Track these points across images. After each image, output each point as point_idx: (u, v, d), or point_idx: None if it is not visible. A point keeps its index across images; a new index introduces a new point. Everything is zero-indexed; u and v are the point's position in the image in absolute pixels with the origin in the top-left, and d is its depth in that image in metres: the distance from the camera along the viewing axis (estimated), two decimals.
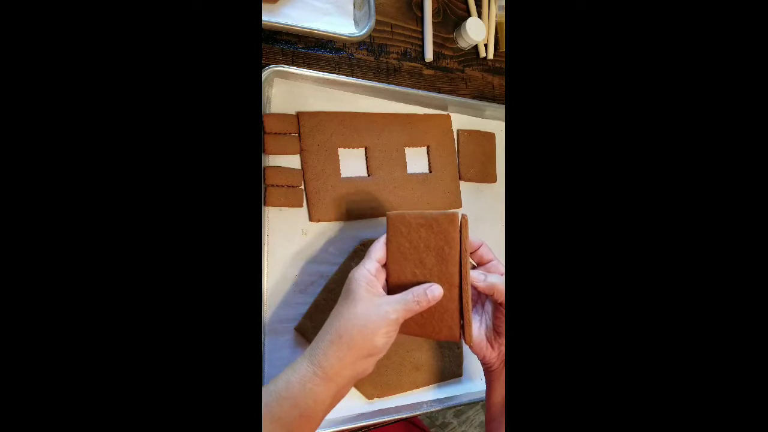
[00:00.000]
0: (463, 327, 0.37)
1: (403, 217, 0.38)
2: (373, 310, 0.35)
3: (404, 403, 0.50)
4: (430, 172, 0.55)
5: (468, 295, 0.36)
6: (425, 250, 0.37)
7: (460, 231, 0.37)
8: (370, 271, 0.37)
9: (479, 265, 0.41)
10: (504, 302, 0.38)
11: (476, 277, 0.38)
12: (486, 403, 0.43)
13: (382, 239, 0.39)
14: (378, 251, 0.38)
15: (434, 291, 0.36)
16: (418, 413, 0.50)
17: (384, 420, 0.48)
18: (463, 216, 0.37)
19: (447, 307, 0.37)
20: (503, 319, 0.39)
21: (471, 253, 0.40)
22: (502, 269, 0.40)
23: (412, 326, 0.38)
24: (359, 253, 0.50)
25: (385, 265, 0.39)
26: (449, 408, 0.52)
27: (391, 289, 0.39)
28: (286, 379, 0.34)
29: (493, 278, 0.38)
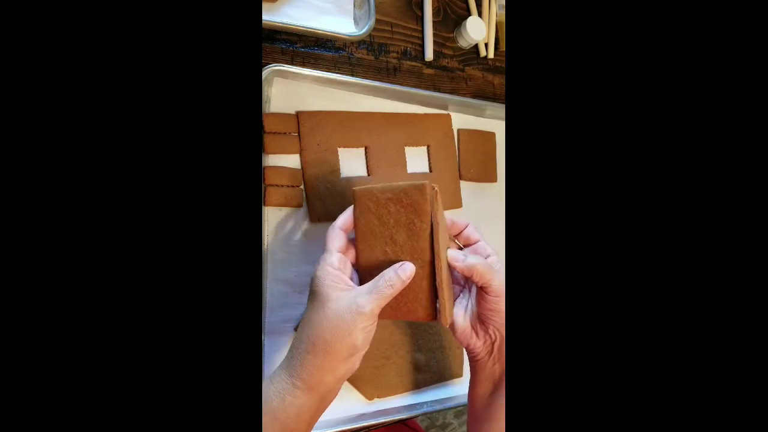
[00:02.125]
0: (438, 307, 0.35)
1: (370, 192, 0.35)
2: (343, 307, 0.32)
3: (404, 403, 0.50)
4: (430, 171, 0.55)
5: (442, 272, 0.34)
6: (395, 226, 0.34)
7: (432, 204, 0.34)
8: (332, 266, 0.34)
9: (465, 246, 0.39)
10: (485, 286, 0.35)
11: (454, 256, 0.35)
12: (468, 396, 0.40)
13: (338, 223, 0.35)
14: (336, 240, 0.35)
15: (406, 270, 0.33)
16: (418, 413, 0.50)
17: (384, 420, 0.48)
18: (434, 187, 0.35)
19: (420, 286, 0.34)
20: (486, 305, 0.36)
21: (456, 235, 0.39)
22: (490, 251, 0.37)
23: (386, 309, 0.34)
24: None
25: (355, 246, 0.36)
26: (449, 408, 0.52)
27: (362, 271, 0.36)
28: (264, 394, 0.32)
29: (472, 259, 0.35)
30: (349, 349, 0.32)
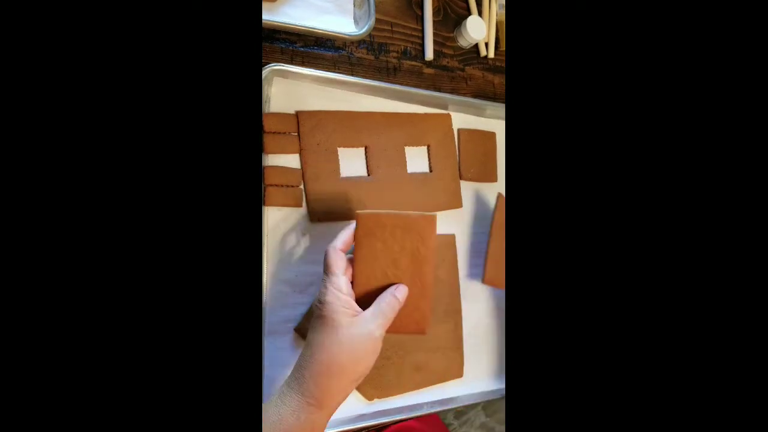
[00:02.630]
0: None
1: (377, 217, 0.36)
2: (356, 333, 0.33)
3: (404, 404, 0.50)
4: (431, 171, 0.55)
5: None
6: (400, 251, 0.36)
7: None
8: (341, 290, 0.35)
9: None
10: None
11: None
12: None
13: (338, 244, 0.36)
14: (340, 261, 0.36)
15: (403, 292, 0.36)
16: (418, 414, 0.50)
17: (384, 421, 0.48)
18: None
19: (418, 305, 0.38)
20: None
21: None
22: None
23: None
24: None
25: (353, 267, 0.37)
26: (450, 409, 0.52)
27: (359, 292, 0.37)
28: (278, 414, 0.33)
29: None
30: (364, 372, 0.34)
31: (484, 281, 0.54)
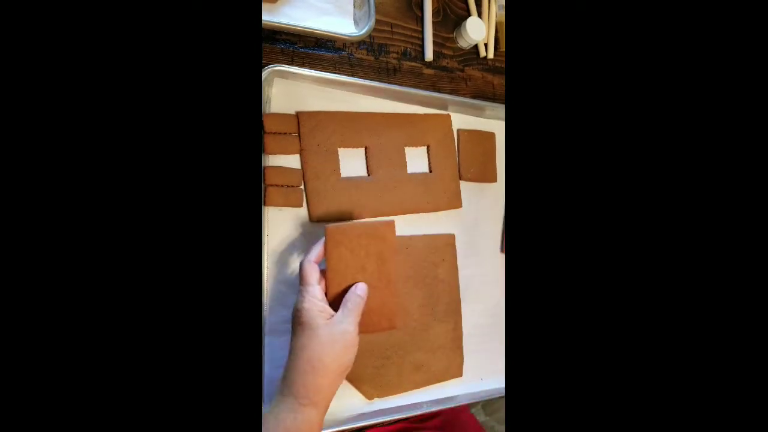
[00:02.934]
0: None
1: (342, 228, 0.40)
2: (333, 332, 0.37)
3: (404, 403, 0.50)
4: (430, 171, 0.55)
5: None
6: (366, 256, 0.41)
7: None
8: (316, 297, 0.38)
9: None
10: None
11: None
12: None
13: (311, 257, 0.40)
14: (314, 273, 0.39)
15: (362, 289, 0.40)
16: (418, 413, 0.50)
17: (384, 420, 0.48)
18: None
19: (386, 301, 0.42)
20: None
21: None
22: None
23: (359, 326, 0.40)
24: None
25: (325, 276, 0.40)
26: (449, 408, 0.52)
27: (333, 297, 0.40)
28: (275, 418, 0.35)
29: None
30: (345, 366, 0.37)
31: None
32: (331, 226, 0.40)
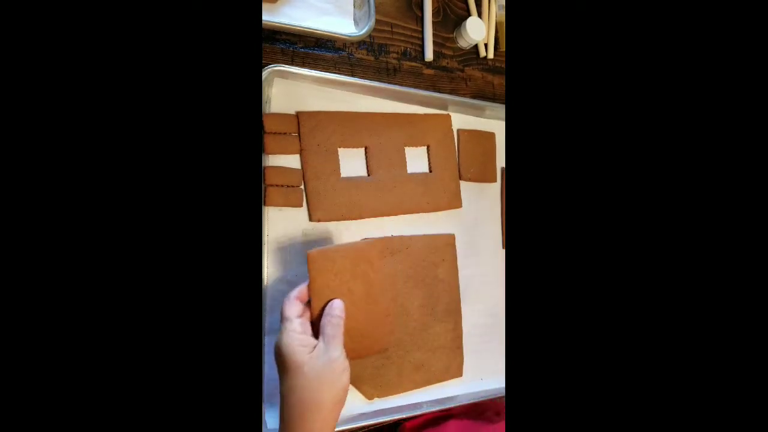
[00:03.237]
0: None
1: (325, 252, 0.38)
2: (319, 365, 0.35)
3: (404, 403, 0.50)
4: (430, 171, 0.55)
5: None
6: (352, 279, 0.38)
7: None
8: (295, 331, 0.36)
9: None
10: None
11: None
12: None
13: (293, 294, 0.38)
14: (293, 308, 0.37)
15: (337, 307, 0.37)
16: (418, 413, 0.50)
17: (384, 420, 0.48)
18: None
19: (376, 323, 0.40)
20: None
21: None
22: None
23: (349, 351, 0.38)
24: None
25: (310, 306, 0.38)
26: (449, 408, 0.52)
27: (318, 325, 0.38)
28: None
29: None
30: (340, 395, 0.35)
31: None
32: (312, 251, 0.37)
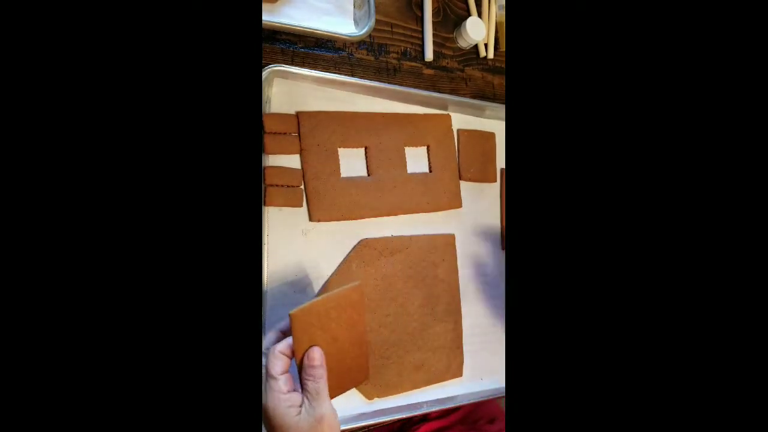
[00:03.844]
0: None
1: (309, 309, 0.36)
2: (308, 425, 0.34)
3: (404, 403, 0.50)
4: (430, 171, 0.55)
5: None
6: (337, 327, 0.38)
7: None
8: (281, 391, 0.34)
9: None
10: None
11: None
12: None
13: (279, 347, 0.36)
14: (278, 364, 0.35)
15: (315, 356, 0.36)
16: (418, 413, 0.50)
17: (384, 420, 0.48)
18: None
19: (358, 361, 0.40)
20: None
21: None
22: None
23: (334, 391, 0.38)
24: (359, 252, 0.50)
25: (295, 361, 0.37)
26: (449, 408, 0.52)
27: None
28: None
29: None
30: None
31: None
32: (295, 311, 0.36)
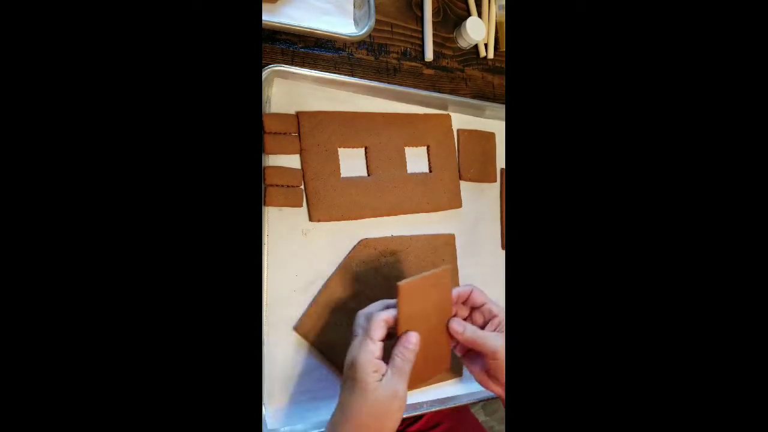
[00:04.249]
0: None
1: (416, 284, 0.38)
2: (382, 395, 0.35)
3: None
4: (430, 171, 0.55)
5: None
6: (432, 306, 0.39)
7: None
8: (374, 354, 0.36)
9: (473, 309, 0.43)
10: (484, 353, 0.40)
11: (455, 329, 0.40)
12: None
13: (382, 315, 0.37)
14: (379, 330, 0.37)
15: (413, 340, 0.37)
16: (418, 413, 0.50)
17: None
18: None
19: (442, 351, 0.41)
20: (495, 368, 0.40)
21: (464, 301, 0.43)
22: (495, 311, 0.41)
23: (413, 382, 0.38)
24: (359, 252, 0.50)
25: (393, 334, 0.38)
26: (454, 413, 0.52)
27: None
28: None
29: (470, 332, 0.40)
30: (394, 426, 0.36)
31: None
32: (403, 284, 0.37)
